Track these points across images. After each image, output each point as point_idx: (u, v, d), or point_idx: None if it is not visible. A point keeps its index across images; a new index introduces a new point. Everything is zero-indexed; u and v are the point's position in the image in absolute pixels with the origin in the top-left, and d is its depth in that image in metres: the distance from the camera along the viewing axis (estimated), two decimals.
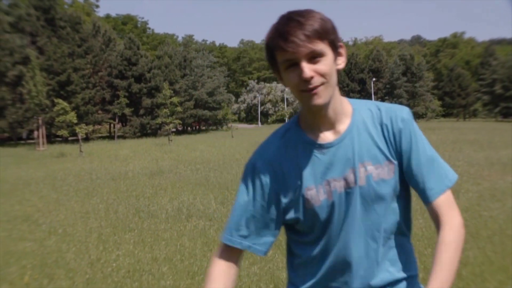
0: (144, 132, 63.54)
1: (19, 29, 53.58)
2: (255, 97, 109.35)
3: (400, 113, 2.00)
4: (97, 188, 16.01)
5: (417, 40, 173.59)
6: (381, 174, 1.94)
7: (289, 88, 1.88)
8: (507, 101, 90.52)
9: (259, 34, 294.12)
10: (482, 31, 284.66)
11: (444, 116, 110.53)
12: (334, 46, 1.85)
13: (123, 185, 16.62)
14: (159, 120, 52.16)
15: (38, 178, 19.53)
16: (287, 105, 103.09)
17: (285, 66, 1.82)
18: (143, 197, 14.01)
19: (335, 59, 1.88)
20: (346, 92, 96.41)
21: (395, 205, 2.00)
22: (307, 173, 1.98)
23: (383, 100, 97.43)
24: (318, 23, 1.78)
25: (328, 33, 1.81)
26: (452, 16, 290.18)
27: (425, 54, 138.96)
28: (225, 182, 16.08)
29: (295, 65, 1.79)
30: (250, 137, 47.49)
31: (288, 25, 1.77)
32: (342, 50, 1.92)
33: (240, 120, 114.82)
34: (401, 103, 75.08)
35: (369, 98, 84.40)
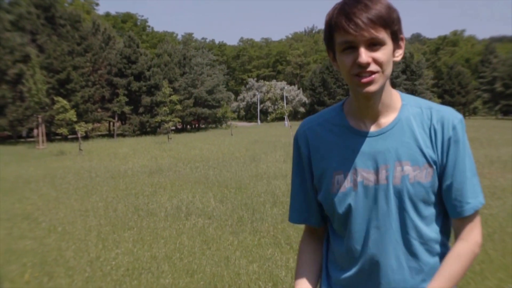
0: (144, 130, 63.50)
1: (19, 27, 53.55)
2: (254, 95, 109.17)
3: (452, 119, 1.95)
4: (96, 186, 16.03)
5: (416, 38, 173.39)
6: (418, 176, 1.89)
7: (341, 71, 1.86)
8: (507, 99, 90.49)
9: (258, 32, 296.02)
10: (482, 29, 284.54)
11: None
12: (396, 37, 1.84)
13: (122, 183, 16.63)
14: (158, 118, 52.07)
15: (38, 176, 19.54)
16: (287, 103, 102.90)
17: (343, 47, 1.80)
18: (142, 195, 14.02)
19: (394, 50, 1.86)
20: (346, 90, 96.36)
21: (431, 211, 1.95)
22: (339, 157, 1.97)
23: None
24: (385, 10, 1.76)
25: (392, 22, 1.79)
26: (452, 14, 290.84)
27: (424, 52, 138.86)
28: (224, 180, 16.09)
29: (353, 48, 1.76)
30: (250, 135, 47.54)
31: (356, 6, 1.74)
32: (402, 43, 1.91)
33: (239, 118, 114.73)
34: None
35: None
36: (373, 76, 1.77)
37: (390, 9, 1.78)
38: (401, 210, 1.90)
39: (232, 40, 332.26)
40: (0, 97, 48.53)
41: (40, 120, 43.18)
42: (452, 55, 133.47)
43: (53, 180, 18.15)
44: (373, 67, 1.76)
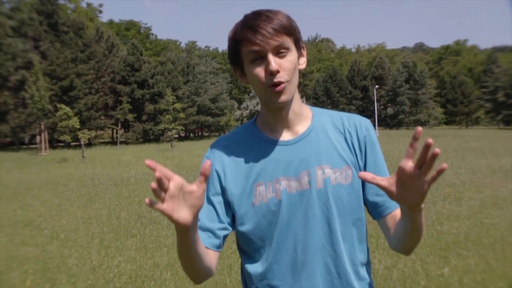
0: (147, 138, 63.60)
1: (21, 33, 53.62)
2: (257, 103, 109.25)
3: (363, 122, 2.02)
4: (99, 194, 16.01)
5: (420, 48, 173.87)
6: (338, 178, 1.90)
7: (253, 85, 1.87)
8: (509, 108, 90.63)
9: None
10: (485, 39, 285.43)
11: (446, 123, 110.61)
12: (298, 45, 1.88)
13: (125, 190, 16.62)
14: (161, 126, 52.11)
15: (40, 183, 19.53)
16: None
17: (251, 58, 1.81)
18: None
19: (298, 58, 1.89)
20: (349, 99, 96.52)
21: (357, 215, 1.94)
22: (258, 168, 1.95)
23: (385, 107, 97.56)
24: (286, 20, 1.81)
25: (294, 31, 1.84)
26: (455, 24, 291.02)
27: (428, 62, 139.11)
28: None
29: (261, 58, 1.79)
30: None
31: (258, 19, 1.78)
32: (304, 52, 1.95)
33: None
34: (403, 111, 74.81)
35: (372, 105, 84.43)
36: (283, 85, 1.79)
37: (290, 19, 1.84)
38: (326, 213, 1.89)
39: None
40: (2, 103, 48.56)
41: (42, 126, 43.24)
42: (455, 65, 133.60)
43: (55, 187, 18.14)
44: (282, 76, 1.78)
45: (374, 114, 79.31)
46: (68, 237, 10.08)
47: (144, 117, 63.80)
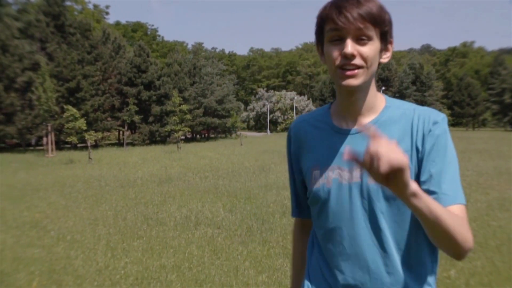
0: (153, 139, 63.57)
1: (28, 35, 53.66)
2: (264, 105, 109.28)
3: (434, 117, 1.91)
4: (105, 195, 16.03)
5: (426, 49, 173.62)
6: None
7: (327, 64, 1.87)
8: None
9: (268, 42, 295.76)
10: (491, 41, 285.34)
11: (453, 125, 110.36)
12: (384, 38, 1.86)
13: (131, 192, 16.63)
14: (168, 128, 52.17)
15: (47, 184, 19.56)
16: (296, 113, 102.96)
17: (330, 37, 1.82)
18: (152, 204, 14.02)
19: (381, 51, 1.88)
20: None
21: (406, 212, 1.86)
22: (317, 153, 2.00)
23: None
24: (376, 9, 1.78)
25: (382, 22, 1.81)
26: (462, 26, 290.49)
27: (434, 63, 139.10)
28: (234, 190, 16.10)
29: (340, 40, 1.79)
30: (259, 145, 47.57)
31: (348, 1, 1.78)
32: (391, 47, 1.92)
33: (249, 128, 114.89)
34: None
35: None
36: (356, 70, 1.78)
37: (382, 10, 1.81)
38: (374, 208, 1.88)
39: (242, 50, 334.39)
40: (8, 104, 48.54)
41: (49, 128, 43.27)
42: (461, 67, 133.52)
43: (62, 188, 18.17)
44: (357, 60, 1.78)
45: None
46: (74, 238, 10.10)
47: (151, 119, 63.73)
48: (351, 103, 1.93)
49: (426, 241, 1.89)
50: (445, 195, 1.79)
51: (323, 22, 1.84)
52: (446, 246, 1.73)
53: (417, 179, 1.86)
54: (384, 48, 1.88)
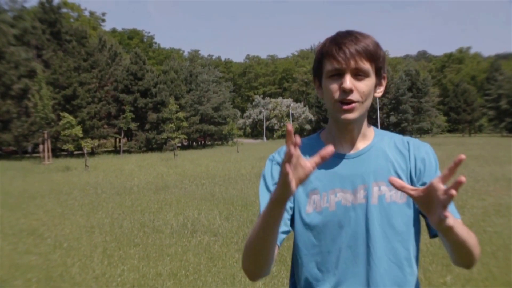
0: (150, 146, 63.56)
1: (24, 42, 53.63)
2: (260, 112, 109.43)
3: (424, 145, 2.05)
4: (102, 203, 16.01)
5: (422, 55, 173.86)
6: (393, 196, 1.93)
7: (325, 98, 1.96)
8: None
9: (264, 49, 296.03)
10: (488, 46, 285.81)
11: (449, 131, 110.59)
12: (379, 74, 1.95)
13: (128, 199, 16.61)
14: (164, 135, 52.34)
15: (44, 191, 19.54)
16: (293, 121, 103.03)
17: (329, 73, 1.89)
18: (148, 212, 14.01)
19: (376, 86, 1.97)
20: None
21: (407, 233, 1.96)
22: (315, 178, 1.99)
23: (388, 115, 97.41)
24: (372, 45, 1.88)
25: (378, 59, 1.90)
26: (458, 31, 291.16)
27: (430, 70, 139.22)
28: (230, 197, 16.09)
29: (339, 75, 1.86)
30: (256, 152, 47.57)
31: (346, 38, 1.87)
32: (384, 81, 2.03)
33: (245, 135, 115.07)
34: (406, 119, 74.91)
35: (375, 113, 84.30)
36: (353, 104, 1.87)
37: (378, 46, 1.91)
38: (377, 229, 1.91)
39: (238, 57, 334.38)
40: (5, 112, 48.53)
41: (46, 135, 43.25)
42: (458, 73, 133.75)
43: (58, 195, 18.15)
44: (355, 95, 1.86)
45: (377, 122, 79.31)
46: (71, 246, 10.09)
47: (147, 126, 63.74)
48: (348, 131, 2.00)
49: (404, 256, 1.97)
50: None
51: (323, 57, 1.93)
52: (464, 262, 1.90)
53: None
54: (378, 83, 1.98)
